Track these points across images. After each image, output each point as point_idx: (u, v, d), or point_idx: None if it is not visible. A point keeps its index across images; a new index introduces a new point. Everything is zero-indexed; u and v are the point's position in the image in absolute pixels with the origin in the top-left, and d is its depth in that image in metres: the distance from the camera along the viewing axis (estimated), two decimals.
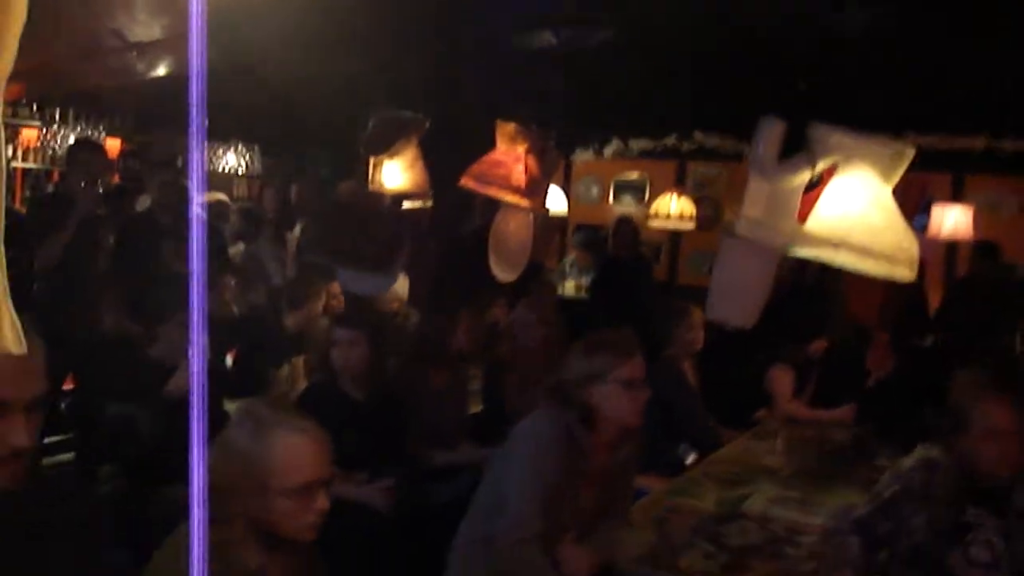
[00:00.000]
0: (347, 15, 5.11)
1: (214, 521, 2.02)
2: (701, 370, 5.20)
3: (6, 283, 0.85)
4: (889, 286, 4.51)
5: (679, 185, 9.53)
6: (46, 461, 5.43)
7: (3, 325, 0.85)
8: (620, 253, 8.27)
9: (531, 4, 4.62)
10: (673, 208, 8.73)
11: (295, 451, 2.07)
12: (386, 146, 5.07)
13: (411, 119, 5.18)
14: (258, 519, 2.05)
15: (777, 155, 3.23)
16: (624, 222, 8.47)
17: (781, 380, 5.45)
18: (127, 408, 4.12)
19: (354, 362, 3.99)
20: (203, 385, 0.93)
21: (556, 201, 8.70)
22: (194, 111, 0.87)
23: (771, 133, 3.26)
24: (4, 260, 0.87)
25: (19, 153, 10.19)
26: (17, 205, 7.47)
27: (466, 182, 5.36)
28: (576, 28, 4.82)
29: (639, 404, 2.89)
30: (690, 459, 4.70)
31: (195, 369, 1.21)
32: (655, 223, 8.96)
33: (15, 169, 9.71)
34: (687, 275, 9.86)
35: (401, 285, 6.09)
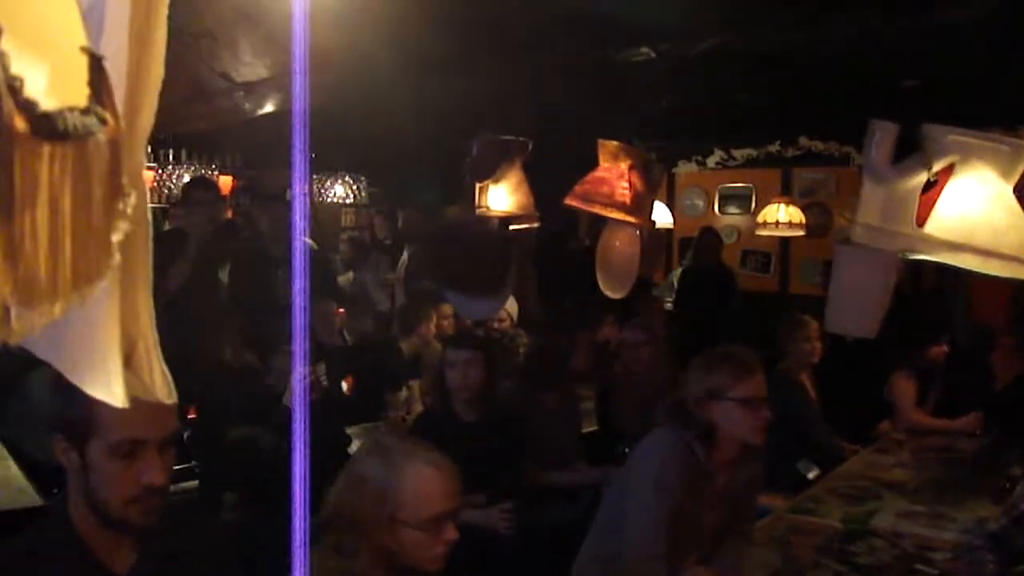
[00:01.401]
0: (448, 41, 5.18)
1: (341, 552, 2.06)
2: (819, 382, 5.07)
3: (156, 336, 0.88)
4: (1015, 287, 4.33)
5: (786, 192, 9.35)
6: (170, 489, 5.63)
7: (155, 376, 0.88)
8: (701, 263, 8.19)
9: (629, 19, 4.60)
10: (781, 216, 8.56)
11: (426, 483, 2.06)
12: (491, 170, 5.08)
13: (514, 142, 5.18)
14: (386, 550, 2.05)
15: (890, 158, 3.13)
16: (707, 231, 8.41)
17: (903, 389, 5.27)
18: (246, 435, 4.21)
19: (469, 383, 4.00)
20: (305, 409, 0.95)
21: (661, 215, 8.63)
22: (297, 146, 0.90)
23: (883, 136, 3.16)
24: (154, 313, 0.90)
25: None
26: None
27: (571, 201, 5.34)
28: (675, 40, 4.78)
29: (760, 422, 2.83)
30: (812, 475, 4.58)
31: (297, 394, 1.24)
32: (763, 232, 8.80)
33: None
34: (798, 284, 9.64)
35: (509, 306, 6.11)
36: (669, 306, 8.71)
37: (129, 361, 0.85)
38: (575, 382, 5.02)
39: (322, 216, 10.49)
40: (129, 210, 0.60)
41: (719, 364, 2.90)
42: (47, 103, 0.54)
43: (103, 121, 0.58)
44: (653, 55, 4.92)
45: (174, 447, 1.73)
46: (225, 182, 10.83)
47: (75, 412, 1.65)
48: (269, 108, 6.97)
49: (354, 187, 9.37)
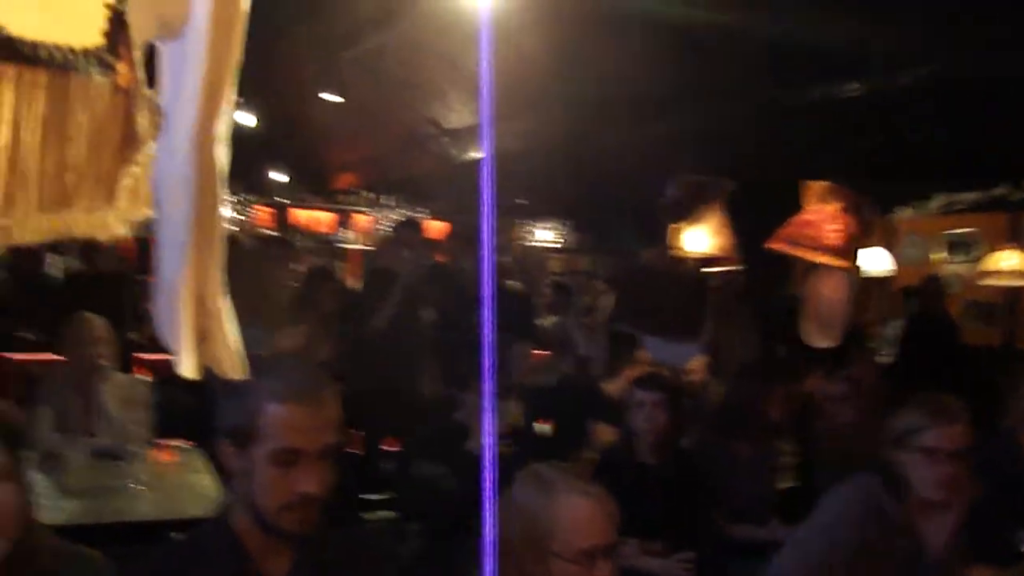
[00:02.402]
0: (650, 83, 5.14)
1: None
2: None
3: (229, 312, 0.87)
4: None
5: (1014, 238, 8.68)
6: (368, 516, 5.80)
7: (226, 350, 0.87)
8: (924, 313, 7.71)
9: (835, 53, 4.40)
10: (1010, 263, 7.95)
11: (580, 514, 2.01)
12: (688, 211, 4.98)
13: (713, 183, 5.07)
14: None
15: None
16: (931, 280, 7.92)
17: None
18: (431, 470, 4.26)
19: (655, 425, 3.88)
20: (494, 447, 0.93)
21: (879, 262, 8.20)
22: (485, 191, 0.99)
23: None
24: (223, 282, 0.89)
25: (352, 235, 11.10)
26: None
27: (775, 244, 5.14)
28: (886, 75, 4.53)
29: (943, 477, 2.57)
30: None
31: (487, 431, 1.21)
32: (988, 281, 8.20)
33: (347, 250, 10.60)
34: None
35: (703, 359, 5.92)
36: (886, 359, 8.24)
37: (205, 336, 0.85)
38: (772, 434, 4.78)
39: (528, 260, 10.65)
40: (140, 160, 0.61)
41: (915, 408, 2.68)
42: (33, 33, 0.56)
43: (109, 67, 0.58)
44: (861, 90, 4.68)
45: (332, 460, 1.75)
46: (438, 227, 11.22)
47: (241, 418, 1.71)
48: (475, 154, 7.15)
49: (558, 231, 9.43)
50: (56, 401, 4.08)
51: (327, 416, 1.75)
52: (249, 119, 7.55)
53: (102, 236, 0.73)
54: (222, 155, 0.88)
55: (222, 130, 0.88)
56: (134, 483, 3.63)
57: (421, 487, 4.43)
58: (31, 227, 0.61)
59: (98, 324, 4.17)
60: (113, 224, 0.73)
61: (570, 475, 2.13)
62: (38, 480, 3.60)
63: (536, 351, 6.70)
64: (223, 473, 1.85)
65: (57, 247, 9.07)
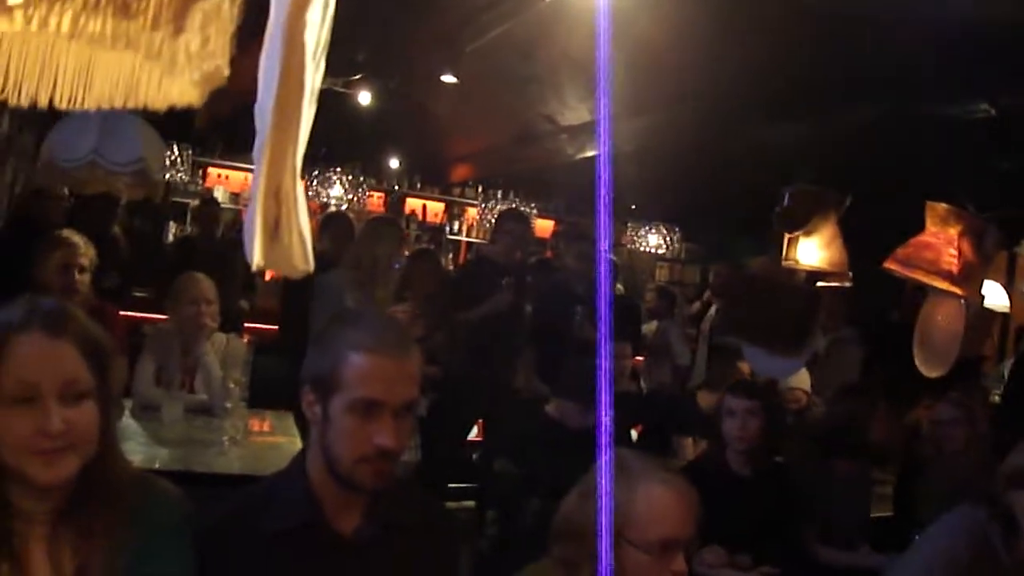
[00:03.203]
0: (770, 89, 5.02)
1: (566, 565, 1.98)
2: None
3: (300, 196, 0.85)
4: None
5: None
6: (452, 505, 5.82)
7: (294, 241, 0.86)
8: None
9: (961, 71, 4.22)
10: None
11: (657, 503, 1.96)
12: (802, 222, 4.84)
13: (830, 194, 4.92)
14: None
15: None
16: None
17: None
18: (513, 463, 4.24)
19: (746, 434, 3.79)
20: (609, 447, 0.90)
21: (995, 296, 7.88)
22: (602, 190, 0.98)
23: None
24: (298, 171, 0.88)
25: (464, 228, 11.17)
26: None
27: (890, 265, 4.98)
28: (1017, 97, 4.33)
29: None
30: None
31: (602, 430, 1.17)
32: None
33: (460, 243, 10.66)
34: None
35: (804, 380, 5.74)
36: (997, 399, 7.89)
37: (275, 229, 0.83)
38: (873, 458, 4.62)
39: (635, 264, 10.55)
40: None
41: None
42: None
43: None
44: (992, 112, 4.48)
45: (410, 417, 1.74)
46: (545, 225, 11.22)
47: (325, 366, 1.71)
48: (591, 152, 7.11)
49: (667, 238, 9.32)
50: (159, 355, 4.20)
51: (408, 371, 1.73)
52: (365, 97, 7.63)
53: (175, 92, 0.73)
54: (311, 39, 0.86)
55: (314, 16, 0.86)
56: (227, 439, 3.70)
57: (504, 479, 4.41)
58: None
59: (205, 284, 4.27)
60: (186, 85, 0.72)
61: (652, 463, 2.08)
62: (133, 427, 3.71)
63: (636, 356, 6.63)
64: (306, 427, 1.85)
65: (176, 215, 9.40)
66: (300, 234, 0.88)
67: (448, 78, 6.42)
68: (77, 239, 4.06)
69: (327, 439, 1.72)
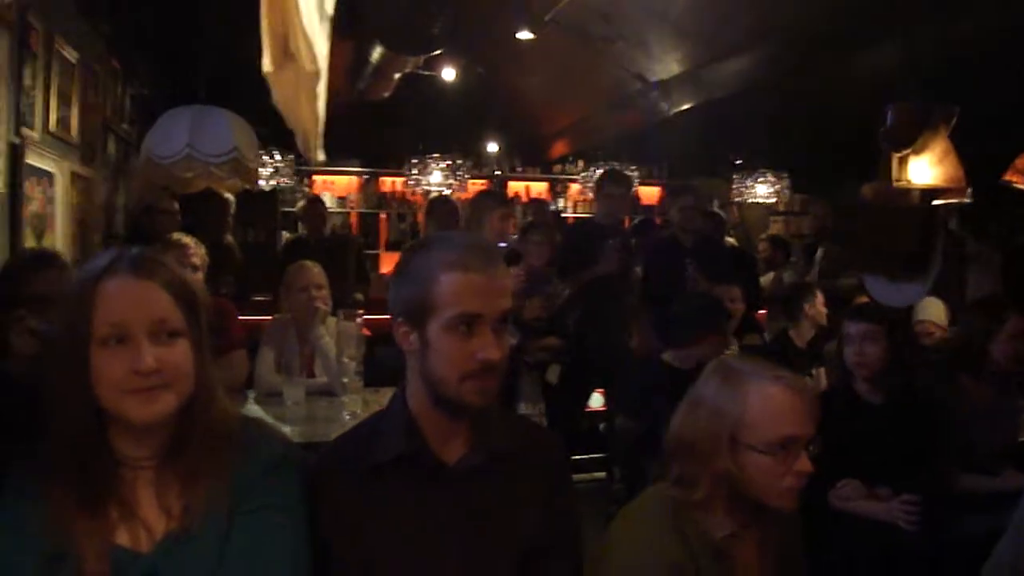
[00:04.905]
0: (857, 14, 4.84)
1: (683, 483, 1.94)
2: None
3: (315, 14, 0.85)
4: None
5: None
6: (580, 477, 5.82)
7: (301, 47, 0.86)
8: None
9: None
10: None
11: (773, 402, 1.90)
12: (908, 138, 4.65)
13: (936, 107, 4.70)
14: (728, 478, 1.91)
15: None
16: None
17: None
18: (634, 418, 4.21)
19: (866, 359, 3.65)
20: None
21: None
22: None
23: None
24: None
25: (569, 204, 11.15)
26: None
27: (1010, 177, 4.77)
28: None
29: None
30: None
31: None
32: None
33: (566, 219, 10.63)
34: None
35: (937, 313, 5.50)
36: None
37: (287, 43, 0.84)
38: (998, 376, 4.38)
39: (747, 217, 10.36)
40: None
41: None
42: None
43: None
44: None
45: (507, 328, 1.73)
46: (650, 192, 11.13)
47: (417, 293, 1.71)
48: (685, 105, 6.97)
49: (777, 187, 9.09)
50: (278, 344, 4.31)
51: (501, 282, 1.72)
52: (449, 73, 7.66)
53: None
54: None
55: None
56: (347, 413, 3.78)
57: (626, 434, 4.38)
58: None
59: (314, 270, 4.36)
60: None
61: (759, 363, 2.01)
62: (258, 413, 3.81)
63: (756, 309, 6.50)
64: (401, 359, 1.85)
65: (286, 225, 9.66)
66: (306, 43, 0.88)
67: (525, 34, 6.38)
68: (187, 240, 4.20)
69: (428, 365, 1.72)
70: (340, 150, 9.78)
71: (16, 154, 3.94)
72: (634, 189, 8.48)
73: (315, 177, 10.47)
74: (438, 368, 1.70)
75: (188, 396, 1.56)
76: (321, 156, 0.84)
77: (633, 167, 9.17)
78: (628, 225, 8.46)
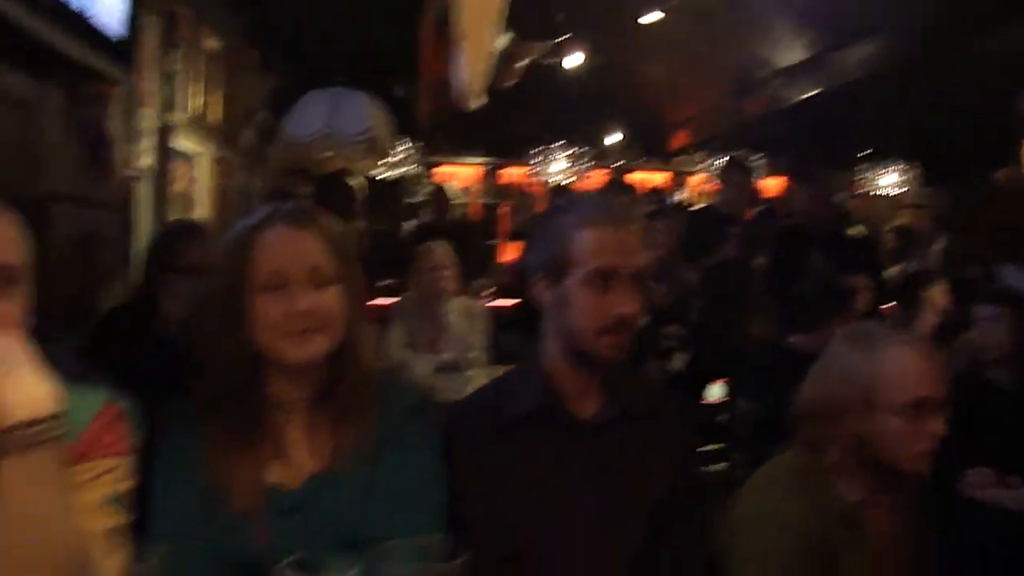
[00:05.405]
0: None
1: (813, 447, 1.95)
2: None
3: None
4: None
5: None
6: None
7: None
8: None
9: None
10: None
11: (906, 364, 1.90)
12: None
13: None
14: (859, 441, 1.91)
15: None
16: None
17: None
18: (757, 402, 4.18)
19: (992, 342, 3.56)
20: None
21: None
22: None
23: None
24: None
25: (689, 196, 11.07)
26: None
27: None
28: None
29: None
30: None
31: None
32: None
33: (688, 209, 10.54)
34: None
35: None
36: None
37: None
38: None
39: (872, 209, 10.10)
40: None
41: None
42: None
43: None
44: None
45: (644, 286, 1.76)
46: (771, 184, 10.93)
47: (554, 249, 1.77)
48: (812, 91, 6.87)
49: (905, 176, 8.85)
50: (406, 322, 4.44)
51: (637, 239, 1.78)
52: (577, 58, 7.69)
53: None
54: None
55: None
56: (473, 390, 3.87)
57: (748, 418, 4.36)
58: None
59: (441, 251, 4.47)
60: None
61: (891, 329, 2.02)
62: None
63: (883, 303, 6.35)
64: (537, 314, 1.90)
65: (410, 215, 9.85)
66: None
67: (649, 17, 6.37)
68: None
69: (565, 319, 1.77)
70: (463, 141, 9.94)
71: (163, 136, 4.17)
72: (757, 179, 8.37)
73: (438, 169, 10.65)
74: (575, 322, 1.75)
75: (339, 341, 1.65)
76: (480, 101, 0.88)
77: (756, 156, 9.04)
78: (750, 216, 8.35)
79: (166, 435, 1.63)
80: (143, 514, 1.50)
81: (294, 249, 1.63)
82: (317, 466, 1.67)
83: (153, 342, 2.73)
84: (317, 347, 1.63)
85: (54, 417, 1.28)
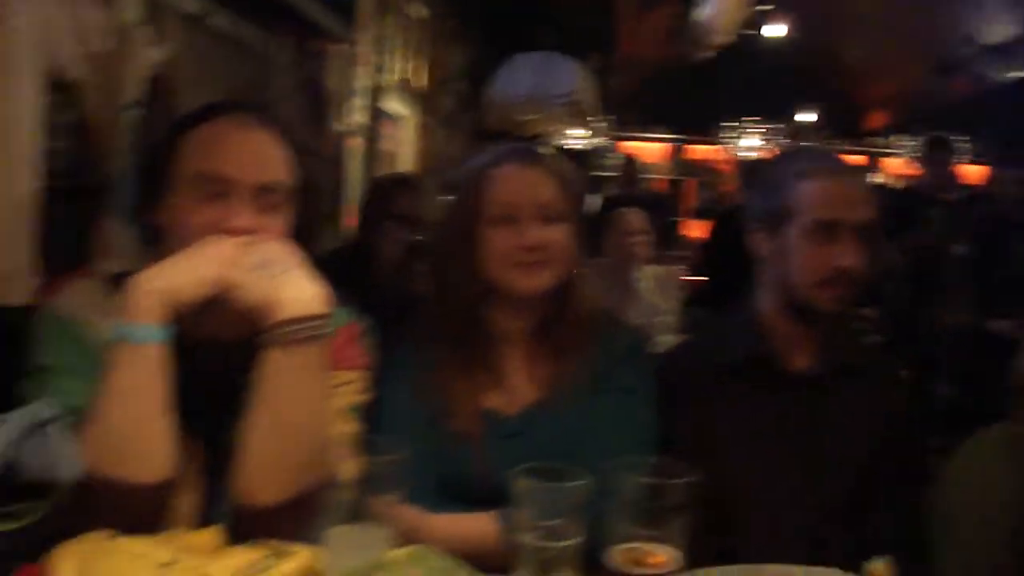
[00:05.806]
0: None
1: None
2: None
3: None
4: None
5: None
6: None
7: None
8: None
9: None
10: None
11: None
12: None
13: None
14: None
15: None
16: None
17: None
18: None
19: None
20: None
21: None
22: None
23: None
24: None
25: (884, 179, 10.66)
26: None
27: None
28: None
29: None
30: None
31: None
32: None
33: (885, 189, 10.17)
34: None
35: None
36: None
37: None
38: None
39: None
40: None
41: None
42: None
43: None
44: None
45: (868, 242, 1.74)
46: (973, 171, 10.40)
47: (775, 201, 1.79)
48: (1022, 71, 6.52)
49: None
50: (595, 285, 4.50)
51: (861, 191, 1.78)
52: (780, 29, 7.52)
53: None
54: None
55: None
56: None
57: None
58: None
59: (634, 216, 4.51)
60: None
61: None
62: None
63: None
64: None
65: (594, 188, 9.89)
66: None
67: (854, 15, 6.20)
68: None
69: (783, 270, 1.78)
70: (652, 115, 9.91)
71: (374, 96, 4.38)
72: (960, 162, 8.00)
73: (624, 143, 10.65)
74: (794, 273, 1.76)
75: (563, 277, 1.73)
76: (728, 38, 0.90)
77: (961, 140, 8.63)
78: (952, 200, 8.01)
79: (395, 358, 1.73)
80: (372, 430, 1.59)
81: (525, 185, 1.72)
82: (535, 396, 1.75)
83: (370, 284, 2.92)
84: (543, 279, 1.70)
85: (321, 317, 1.39)
